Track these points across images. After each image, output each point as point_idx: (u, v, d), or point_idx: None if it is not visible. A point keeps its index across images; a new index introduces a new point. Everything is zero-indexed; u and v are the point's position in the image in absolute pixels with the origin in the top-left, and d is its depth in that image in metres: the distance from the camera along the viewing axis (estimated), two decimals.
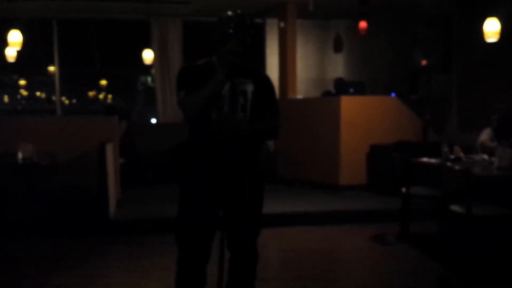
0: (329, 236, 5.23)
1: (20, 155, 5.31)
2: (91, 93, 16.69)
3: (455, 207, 4.02)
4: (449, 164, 4.32)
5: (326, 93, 8.31)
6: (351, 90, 7.83)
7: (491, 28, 6.15)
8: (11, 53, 7.97)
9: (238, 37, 2.36)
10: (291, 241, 5.07)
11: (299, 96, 8.11)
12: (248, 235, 2.49)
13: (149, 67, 9.36)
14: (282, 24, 7.96)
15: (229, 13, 2.44)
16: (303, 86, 8.86)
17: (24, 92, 16.42)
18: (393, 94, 7.54)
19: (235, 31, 2.35)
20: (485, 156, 4.61)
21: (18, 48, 7.60)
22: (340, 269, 4.38)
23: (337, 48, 9.34)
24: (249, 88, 2.45)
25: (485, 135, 5.08)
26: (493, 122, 4.92)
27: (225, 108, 2.42)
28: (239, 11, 2.44)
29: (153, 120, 11.89)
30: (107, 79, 14.81)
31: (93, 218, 5.19)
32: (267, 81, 2.57)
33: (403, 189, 4.84)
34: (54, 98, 9.69)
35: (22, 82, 15.46)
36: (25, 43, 7.60)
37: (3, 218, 5.17)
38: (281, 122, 2.57)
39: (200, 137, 2.47)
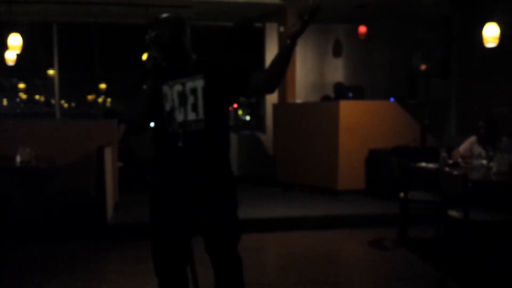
0: (328, 241, 5.22)
1: (18, 159, 5.31)
2: (90, 97, 16.68)
3: (453, 212, 4.01)
4: (447, 169, 4.32)
5: (325, 98, 8.32)
6: (350, 94, 7.84)
7: (491, 33, 6.16)
8: (10, 56, 7.97)
9: (152, 41, 2.30)
10: (289, 245, 5.06)
11: (298, 100, 8.12)
12: (225, 242, 2.39)
13: None
14: (281, 29, 7.98)
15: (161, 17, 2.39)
16: (302, 91, 8.87)
17: (23, 96, 16.41)
18: (392, 99, 7.55)
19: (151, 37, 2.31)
20: (484, 161, 4.60)
21: (18, 51, 7.61)
22: (338, 273, 4.37)
23: (336, 53, 9.35)
24: (199, 84, 2.32)
25: (465, 144, 5.00)
26: (480, 129, 4.89)
27: (176, 112, 2.32)
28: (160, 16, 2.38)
29: (152, 124, 11.88)
30: (106, 83, 14.81)
31: (91, 222, 5.18)
32: (223, 67, 2.35)
33: (402, 194, 4.83)
34: (53, 101, 9.68)
35: (22, 85, 15.46)
36: (24, 47, 7.61)
37: (1, 222, 5.16)
38: (259, 79, 2.32)
39: (161, 156, 2.41)
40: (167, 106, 2.35)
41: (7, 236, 4.99)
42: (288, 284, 3.92)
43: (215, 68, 2.37)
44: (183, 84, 2.34)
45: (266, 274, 3.97)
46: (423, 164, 4.72)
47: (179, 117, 2.32)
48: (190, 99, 2.32)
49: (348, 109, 6.85)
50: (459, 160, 4.61)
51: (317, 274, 4.18)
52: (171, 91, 2.35)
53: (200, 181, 2.33)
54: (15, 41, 7.46)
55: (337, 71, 9.40)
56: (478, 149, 4.84)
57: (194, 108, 2.31)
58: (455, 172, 4.02)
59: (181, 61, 2.37)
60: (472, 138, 4.95)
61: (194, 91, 2.33)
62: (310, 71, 9.34)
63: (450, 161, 4.58)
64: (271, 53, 8.95)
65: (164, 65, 2.29)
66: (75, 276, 4.05)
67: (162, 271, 2.41)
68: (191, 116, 2.31)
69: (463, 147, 4.92)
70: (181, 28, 2.39)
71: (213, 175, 2.35)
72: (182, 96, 2.33)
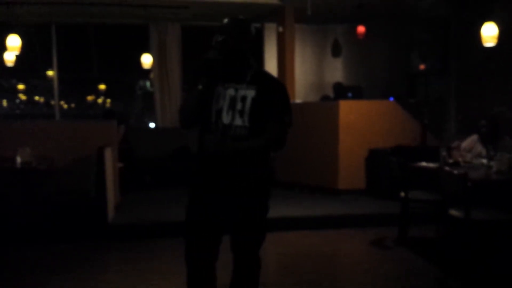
0: (328, 240, 5.23)
1: (18, 160, 5.31)
2: (89, 98, 16.69)
3: (453, 212, 4.02)
4: (447, 168, 4.32)
5: (325, 98, 8.33)
6: (350, 94, 7.85)
7: (489, 33, 6.17)
8: (9, 58, 7.97)
9: (219, 46, 2.38)
10: (290, 245, 5.07)
11: (298, 100, 8.13)
12: (253, 242, 2.51)
13: (147, 71, 9.37)
14: (280, 29, 7.99)
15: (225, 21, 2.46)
16: (301, 91, 8.88)
17: (22, 97, 16.41)
18: (391, 98, 7.56)
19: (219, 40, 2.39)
20: (484, 160, 4.61)
21: (17, 52, 7.61)
22: (339, 273, 4.38)
23: (335, 53, 9.36)
24: (250, 94, 2.43)
25: (466, 142, 5.01)
26: (482, 128, 4.90)
27: (224, 113, 2.42)
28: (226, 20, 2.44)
29: (152, 125, 11.89)
30: (105, 84, 14.82)
31: (91, 223, 5.17)
32: (275, 88, 2.49)
33: (402, 193, 4.84)
34: (52, 102, 9.70)
35: (21, 86, 15.46)
36: (23, 48, 7.61)
37: (1, 223, 5.16)
38: (285, 133, 2.50)
39: (200, 155, 2.49)
40: (217, 107, 2.44)
41: (7, 236, 4.98)
42: (289, 284, 3.93)
43: (269, 83, 2.51)
44: (236, 90, 2.44)
45: (266, 274, 3.96)
46: (423, 164, 4.73)
47: (226, 119, 2.42)
48: (239, 105, 2.42)
49: (347, 108, 6.85)
50: (459, 159, 4.62)
51: (317, 274, 4.18)
52: (224, 93, 2.44)
53: (238, 183, 2.44)
54: (14, 42, 7.46)
55: (336, 71, 9.40)
56: (479, 148, 4.84)
57: (241, 114, 2.41)
58: (455, 171, 4.03)
59: (240, 67, 2.47)
60: (474, 137, 4.96)
61: (244, 98, 2.43)
62: (309, 71, 9.35)
63: (450, 160, 4.59)
64: (269, 53, 8.95)
65: (221, 67, 2.39)
66: (76, 276, 4.05)
67: (193, 266, 2.50)
68: (238, 121, 2.41)
69: (465, 144, 4.92)
70: (246, 36, 2.47)
71: (250, 179, 2.46)
72: (233, 101, 2.43)
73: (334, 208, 6.15)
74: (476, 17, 6.64)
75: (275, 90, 2.50)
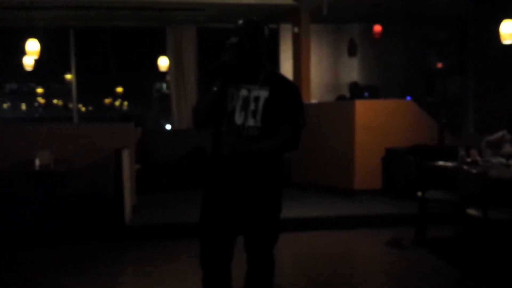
0: (344, 241, 5.20)
1: (37, 162, 5.39)
2: (107, 100, 16.85)
3: (471, 211, 3.97)
4: (465, 167, 4.27)
5: (341, 98, 8.29)
6: (366, 94, 7.80)
7: (508, 30, 6.07)
8: (28, 62, 8.10)
9: (234, 48, 2.38)
10: (305, 246, 5.05)
11: (314, 100, 8.10)
12: (265, 242, 2.52)
13: (164, 74, 9.44)
14: (296, 29, 7.98)
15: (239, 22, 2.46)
16: (317, 91, 8.86)
17: (41, 100, 16.65)
18: (408, 98, 7.49)
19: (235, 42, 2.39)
20: (503, 159, 4.55)
21: (36, 56, 7.73)
22: (355, 273, 4.35)
23: (351, 52, 9.32)
24: (263, 94, 2.43)
25: (494, 136, 4.99)
26: None
27: (236, 114, 2.43)
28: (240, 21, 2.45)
29: (168, 126, 11.97)
30: (123, 86, 14.96)
31: (108, 224, 5.23)
32: (288, 90, 2.49)
33: (419, 193, 4.79)
34: (70, 105, 9.82)
35: (39, 90, 15.69)
36: (42, 52, 7.73)
37: (21, 224, 5.25)
38: (299, 134, 2.50)
39: (214, 156, 2.50)
40: (230, 107, 2.44)
41: (26, 237, 5.06)
42: (304, 284, 3.92)
43: (282, 84, 2.50)
44: (249, 91, 2.45)
45: (281, 275, 3.95)
46: (441, 163, 4.67)
47: (238, 120, 2.43)
48: (252, 106, 2.43)
49: (364, 108, 6.81)
50: (478, 158, 4.56)
51: (333, 274, 4.16)
52: (237, 94, 2.45)
53: (249, 190, 2.44)
54: (32, 46, 7.57)
55: (352, 71, 9.36)
56: (508, 147, 4.78)
57: (254, 115, 2.42)
58: (474, 170, 3.98)
59: (254, 68, 2.47)
60: (504, 133, 4.90)
61: (257, 99, 2.44)
62: (325, 71, 9.32)
63: (469, 160, 4.53)
64: (285, 54, 8.95)
65: (236, 69, 2.40)
66: (93, 277, 4.09)
67: (208, 266, 2.50)
68: (250, 122, 2.42)
69: (493, 137, 4.87)
70: (260, 37, 2.47)
71: (262, 179, 2.46)
72: (246, 101, 2.44)
73: (350, 209, 6.12)
74: (494, 15, 6.55)
75: (288, 91, 2.50)
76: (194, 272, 3.46)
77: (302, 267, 4.49)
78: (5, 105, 16.59)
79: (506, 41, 6.13)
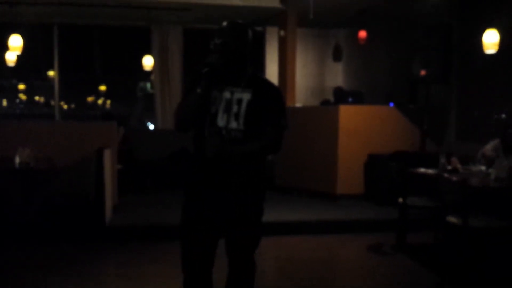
0: (326, 245, 5.21)
1: (17, 160, 5.31)
2: (90, 98, 16.67)
3: (451, 218, 4.01)
4: (446, 175, 4.32)
5: (325, 102, 8.33)
6: (350, 99, 7.84)
7: (490, 40, 6.17)
8: (11, 58, 7.98)
9: (219, 49, 2.36)
10: (287, 250, 5.05)
11: (298, 104, 8.12)
12: (247, 243, 2.51)
13: (149, 73, 9.38)
14: (282, 33, 7.99)
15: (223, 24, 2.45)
16: (302, 95, 8.88)
17: (23, 96, 16.41)
18: (391, 104, 7.55)
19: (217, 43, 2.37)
20: (483, 167, 4.60)
21: (18, 52, 7.62)
22: (336, 278, 4.37)
23: (337, 57, 9.37)
24: (246, 97, 2.42)
25: (490, 146, 5.01)
26: (508, 136, 4.84)
27: (219, 116, 2.41)
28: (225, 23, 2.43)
29: (151, 126, 11.89)
30: (106, 85, 14.82)
31: (89, 224, 5.17)
32: (271, 92, 2.49)
33: (401, 199, 4.83)
34: (52, 102, 9.69)
35: (21, 86, 15.46)
36: (25, 48, 7.62)
37: (0, 223, 5.15)
38: (281, 137, 2.49)
39: (196, 159, 2.48)
40: (212, 109, 2.43)
41: (5, 236, 4.97)
42: None
43: (265, 87, 2.50)
44: (232, 93, 2.43)
45: (262, 278, 3.95)
46: (422, 170, 4.72)
47: (221, 122, 2.41)
48: (234, 108, 2.42)
49: (347, 113, 6.85)
50: (458, 166, 4.60)
51: (314, 279, 4.17)
52: (220, 96, 2.43)
53: (232, 187, 2.42)
54: (15, 42, 7.47)
55: (337, 76, 9.41)
56: (492, 154, 4.81)
57: (236, 117, 2.41)
58: (454, 178, 4.02)
59: (238, 70, 2.45)
60: (497, 142, 4.93)
61: (239, 101, 2.42)
62: (310, 75, 9.35)
63: (449, 167, 4.58)
64: (271, 57, 8.96)
65: (220, 71, 2.37)
66: (72, 278, 4.03)
67: (189, 269, 2.49)
68: (233, 124, 2.41)
69: (489, 149, 4.89)
70: (244, 39, 2.45)
71: (245, 182, 2.45)
72: (229, 104, 2.42)
73: (332, 213, 6.14)
74: (478, 24, 6.64)
75: (271, 94, 2.50)
76: (175, 275, 3.43)
77: (284, 271, 4.49)
78: None
79: (488, 50, 6.22)
